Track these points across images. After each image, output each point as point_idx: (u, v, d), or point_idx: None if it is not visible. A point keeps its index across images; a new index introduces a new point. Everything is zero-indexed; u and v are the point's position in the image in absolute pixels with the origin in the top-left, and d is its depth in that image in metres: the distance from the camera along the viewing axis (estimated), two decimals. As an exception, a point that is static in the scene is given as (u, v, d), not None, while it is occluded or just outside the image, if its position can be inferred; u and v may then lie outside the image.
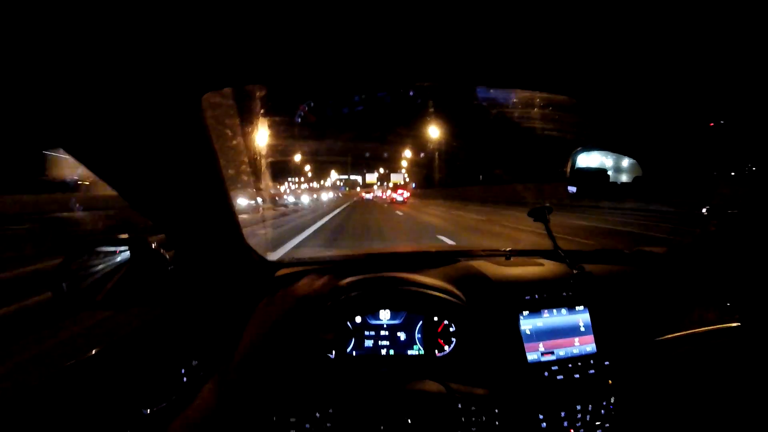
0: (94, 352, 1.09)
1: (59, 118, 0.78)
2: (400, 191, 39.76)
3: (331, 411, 1.11)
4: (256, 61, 0.82)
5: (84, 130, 0.81)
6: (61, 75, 0.70)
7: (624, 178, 1.31)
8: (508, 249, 1.63)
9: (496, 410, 1.16)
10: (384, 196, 57.79)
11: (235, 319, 1.24)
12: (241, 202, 20.12)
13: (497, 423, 1.15)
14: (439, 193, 47.55)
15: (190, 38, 0.70)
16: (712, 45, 0.76)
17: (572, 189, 1.28)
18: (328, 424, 1.11)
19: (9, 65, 0.64)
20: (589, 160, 1.29)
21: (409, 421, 1.10)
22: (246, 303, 1.27)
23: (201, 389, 0.64)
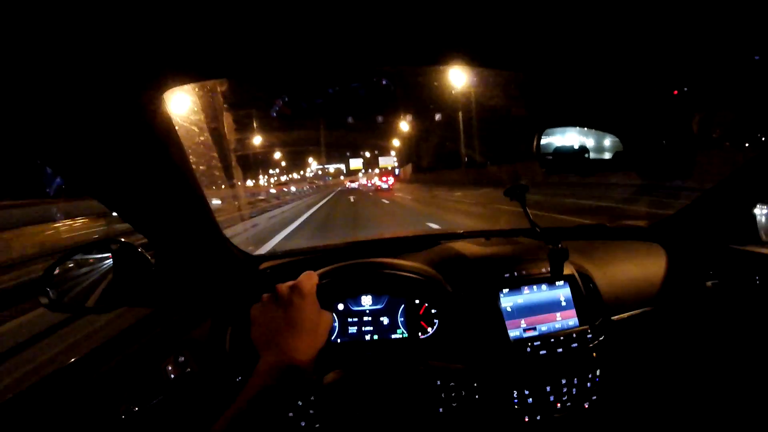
0: (83, 353, 1.09)
1: (20, 120, 0.77)
2: (384, 178, 38.81)
3: (312, 398, 1.13)
4: (220, 55, 0.82)
5: (47, 132, 0.81)
6: (18, 74, 0.69)
7: (595, 154, 1.32)
8: (487, 230, 1.65)
9: (475, 384, 1.18)
10: (369, 184, 54.24)
11: (220, 314, 1.25)
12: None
13: (477, 397, 1.18)
14: (423, 178, 47.35)
15: (150, 33, 0.69)
16: (675, 12, 0.77)
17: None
18: (311, 411, 1.13)
19: None
20: (554, 138, 1.31)
21: (391, 401, 1.12)
22: (229, 298, 1.28)
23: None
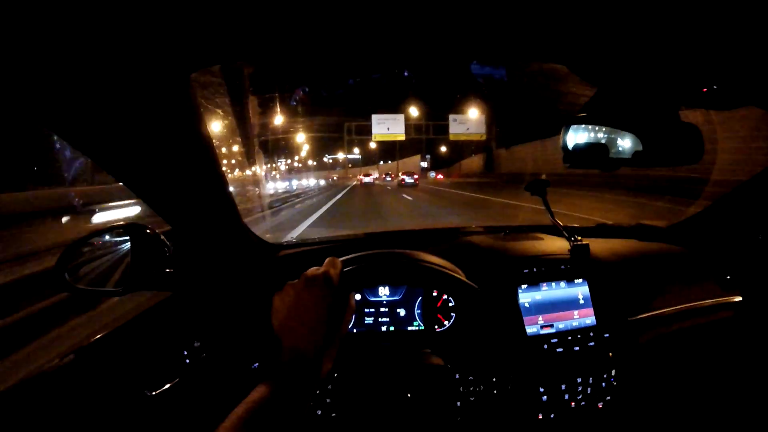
0: (99, 336, 1.10)
1: (49, 102, 0.77)
2: (409, 172, 37.00)
3: (330, 387, 1.13)
4: (245, 36, 0.82)
5: (74, 114, 0.81)
6: (48, 59, 0.69)
7: (622, 151, 1.30)
8: (506, 225, 1.64)
9: (494, 380, 1.17)
10: (389, 179, 50.39)
11: (236, 301, 1.25)
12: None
13: (495, 393, 1.17)
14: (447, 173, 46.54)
15: (177, 15, 0.69)
16: (706, 9, 0.75)
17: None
18: (328, 400, 1.13)
19: None
20: (581, 135, 1.29)
21: (409, 394, 1.12)
22: (248, 285, 1.28)
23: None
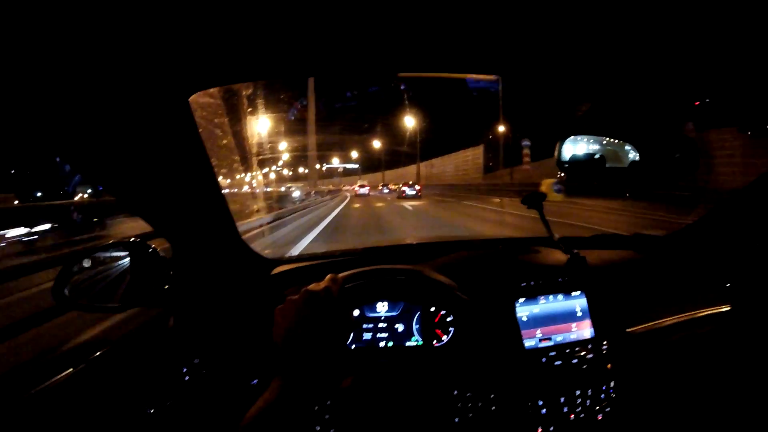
0: (98, 353, 1.10)
1: (50, 123, 0.78)
2: (411, 183, 35.99)
3: (328, 404, 1.12)
4: (244, 59, 0.83)
5: (75, 134, 0.82)
6: (49, 78, 0.70)
7: (612, 163, 1.31)
8: (503, 238, 1.65)
9: (492, 396, 1.17)
10: (385, 191, 49.03)
11: (235, 317, 1.26)
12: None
13: (494, 408, 1.17)
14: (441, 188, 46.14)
15: (177, 40, 0.70)
16: (697, 22, 0.77)
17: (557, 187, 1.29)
18: (326, 416, 1.12)
19: None
20: (577, 147, 1.30)
21: (407, 411, 1.12)
22: (245, 301, 1.28)
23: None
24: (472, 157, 43.58)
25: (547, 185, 17.81)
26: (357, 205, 24.39)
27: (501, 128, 32.13)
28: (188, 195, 1.05)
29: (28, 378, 0.97)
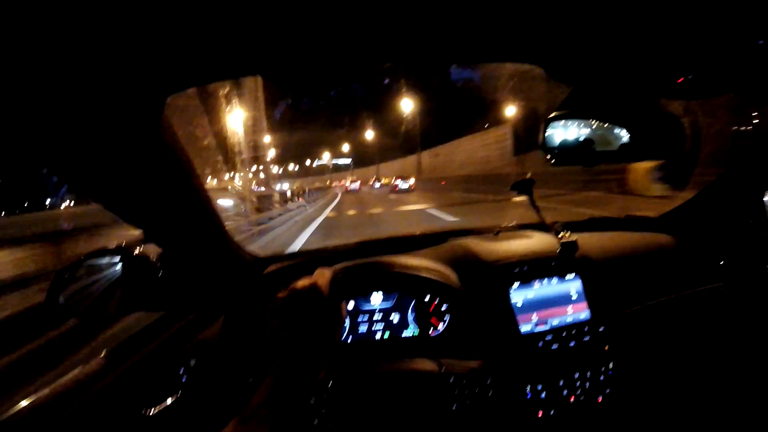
0: (97, 358, 1.10)
1: (28, 130, 0.77)
2: (404, 177, 35.54)
3: (325, 397, 1.13)
4: (222, 58, 0.82)
5: (52, 140, 0.81)
6: (25, 84, 0.69)
7: (601, 146, 1.31)
8: (496, 225, 1.65)
9: (489, 381, 1.17)
10: (377, 186, 48.10)
11: (228, 317, 1.26)
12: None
13: (491, 394, 1.17)
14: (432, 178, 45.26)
15: (149, 39, 0.69)
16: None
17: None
18: (323, 410, 1.12)
19: None
20: (563, 129, 1.29)
21: (404, 401, 1.12)
22: (239, 299, 1.28)
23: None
24: (494, 140, 35.45)
25: (641, 172, 11.67)
26: (351, 212, 18.60)
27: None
28: (172, 198, 1.04)
29: (29, 379, 0.97)
